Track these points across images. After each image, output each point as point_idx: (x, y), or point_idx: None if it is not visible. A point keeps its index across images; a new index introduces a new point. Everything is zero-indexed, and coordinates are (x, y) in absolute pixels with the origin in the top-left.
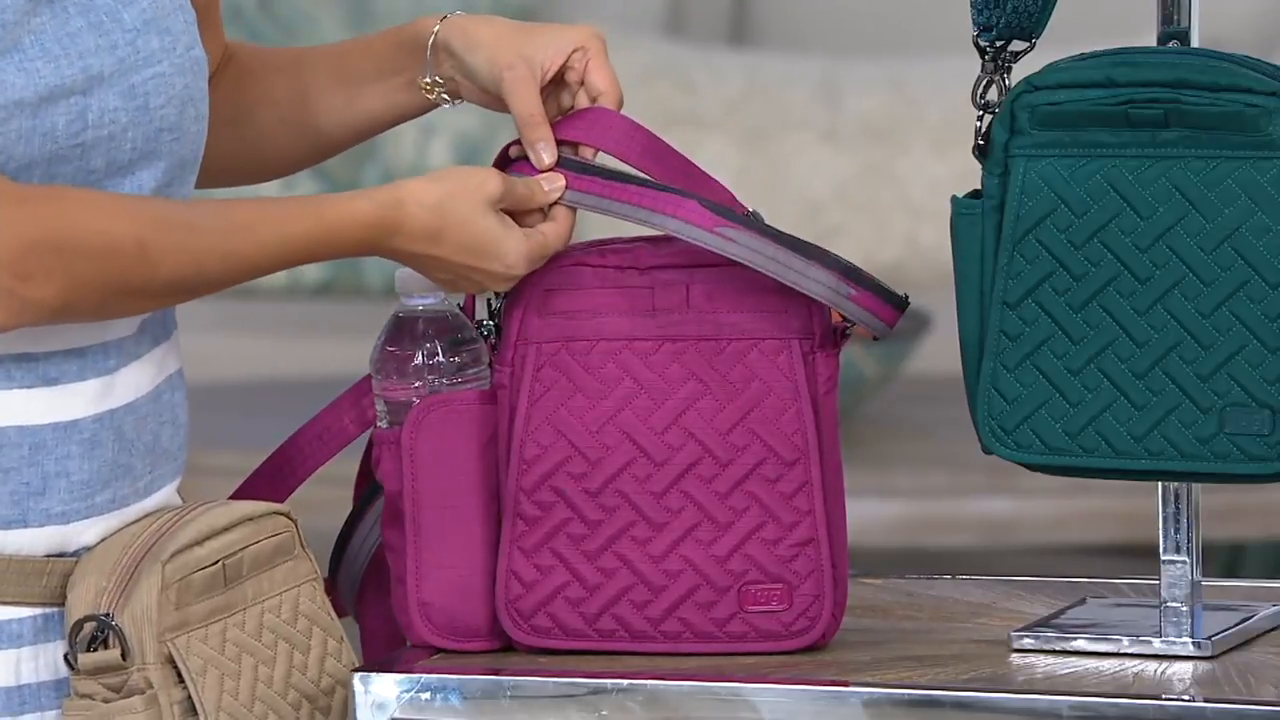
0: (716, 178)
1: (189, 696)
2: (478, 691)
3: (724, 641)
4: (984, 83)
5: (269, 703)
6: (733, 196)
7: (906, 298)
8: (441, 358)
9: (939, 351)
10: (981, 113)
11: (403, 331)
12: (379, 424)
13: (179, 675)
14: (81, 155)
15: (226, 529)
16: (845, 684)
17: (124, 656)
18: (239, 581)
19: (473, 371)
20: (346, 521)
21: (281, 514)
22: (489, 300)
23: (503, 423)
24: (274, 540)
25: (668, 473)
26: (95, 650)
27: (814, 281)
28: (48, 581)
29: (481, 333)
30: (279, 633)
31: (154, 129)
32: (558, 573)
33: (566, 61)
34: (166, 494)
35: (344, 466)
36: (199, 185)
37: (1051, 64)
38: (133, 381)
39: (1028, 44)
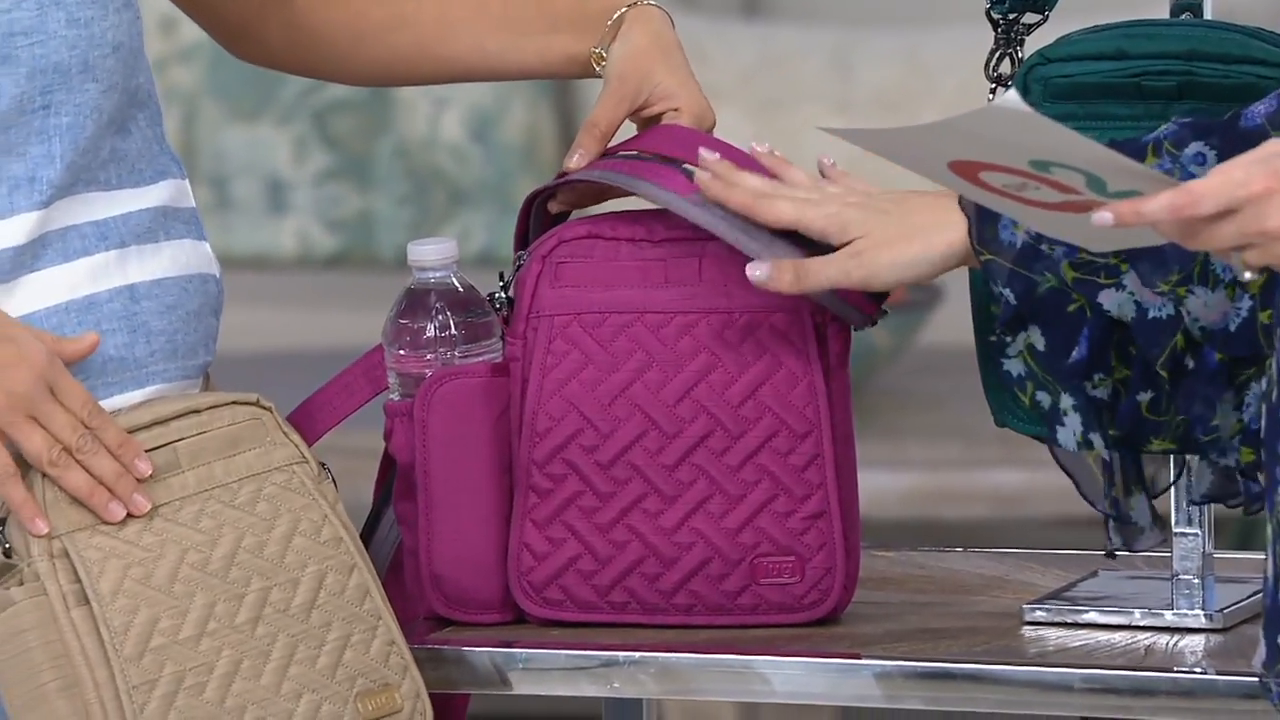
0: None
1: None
2: (490, 663)
3: (736, 614)
4: (996, 55)
5: (196, 582)
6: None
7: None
8: (453, 330)
9: (951, 323)
10: (994, 85)
11: (415, 304)
12: (391, 395)
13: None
14: None
15: (155, 423)
16: (857, 656)
17: (8, 555)
18: (175, 472)
19: (485, 344)
20: (370, 514)
21: (245, 403)
22: (501, 273)
23: (515, 395)
24: (229, 430)
25: (679, 445)
26: None
27: (781, 256)
28: None
29: (494, 305)
30: (222, 519)
31: (2, 34)
32: (569, 545)
33: (662, 114)
34: (111, 405)
35: (362, 438)
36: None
37: (1064, 36)
38: (33, 291)
39: (1040, 16)
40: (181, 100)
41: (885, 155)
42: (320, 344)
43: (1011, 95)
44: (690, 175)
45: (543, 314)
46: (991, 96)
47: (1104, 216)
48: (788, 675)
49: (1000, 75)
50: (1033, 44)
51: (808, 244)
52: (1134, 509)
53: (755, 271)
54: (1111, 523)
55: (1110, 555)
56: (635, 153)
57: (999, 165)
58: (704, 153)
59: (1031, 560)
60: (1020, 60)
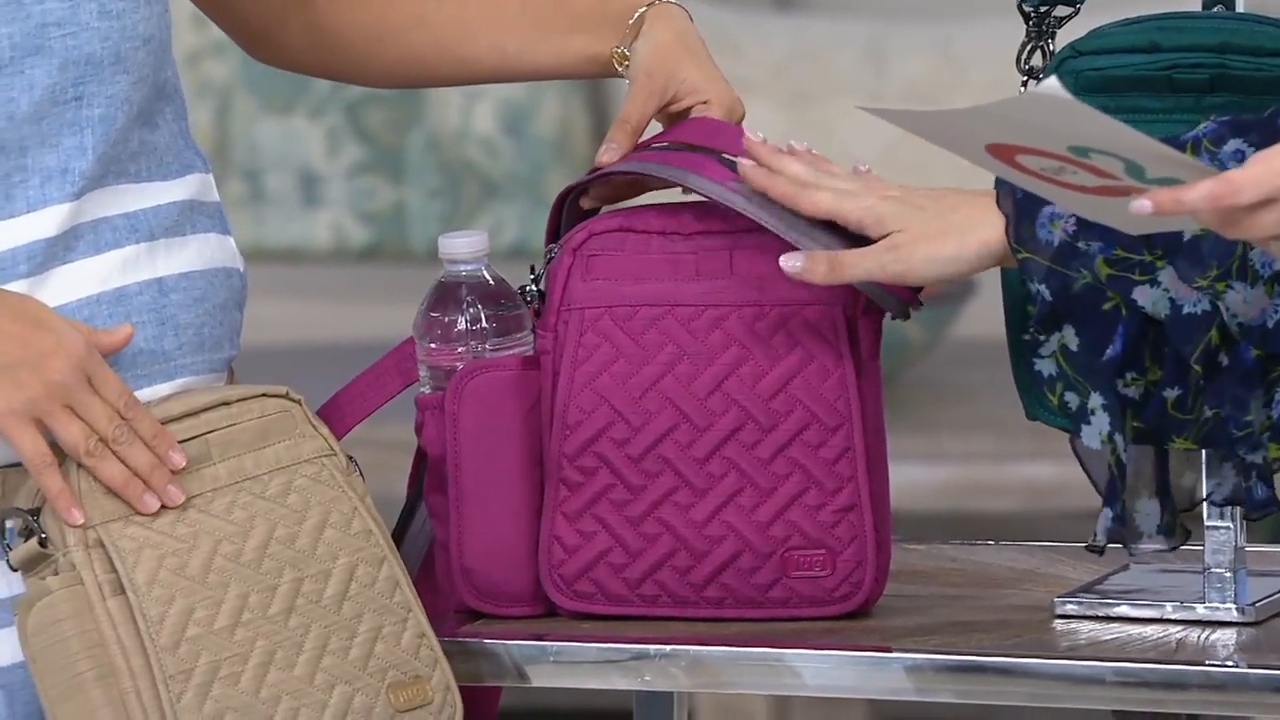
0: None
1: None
2: (521, 656)
3: (766, 607)
4: (1028, 48)
5: (230, 573)
6: None
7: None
8: (484, 323)
9: (984, 315)
10: (1025, 78)
11: (446, 297)
12: (422, 389)
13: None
14: None
15: (187, 415)
16: (888, 650)
17: (44, 545)
18: (207, 464)
19: (516, 337)
20: (405, 507)
21: (275, 396)
22: (532, 266)
23: (546, 388)
24: (259, 422)
25: (710, 438)
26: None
27: (819, 246)
28: (6, 491)
29: (525, 298)
30: (254, 510)
31: (35, 24)
32: (600, 538)
33: (691, 108)
34: (141, 397)
35: (396, 431)
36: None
37: (1095, 29)
38: (65, 282)
39: (1072, 9)
40: (215, 94)
41: (923, 136)
42: (353, 337)
43: (1053, 82)
44: (728, 164)
45: (574, 307)
46: (1023, 89)
47: (1143, 205)
48: (818, 668)
49: (1031, 68)
50: (1064, 37)
51: (849, 235)
52: (1140, 512)
53: (790, 262)
54: (1106, 522)
55: (1095, 550)
56: (667, 144)
57: (1037, 149)
58: (749, 137)
59: (1063, 553)
60: (1052, 53)
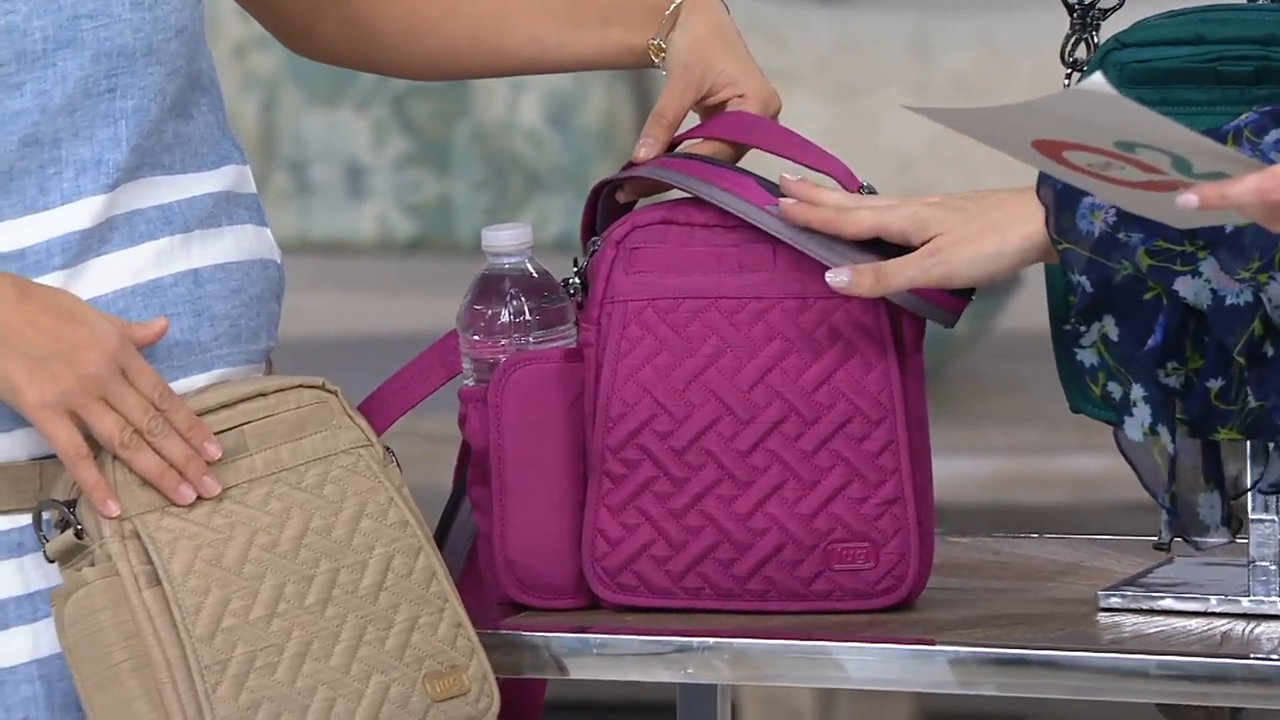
0: (810, 136)
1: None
2: (564, 649)
3: (810, 600)
4: (1072, 40)
5: (266, 564)
6: (849, 171)
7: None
8: (528, 316)
9: (1029, 308)
10: (1070, 70)
11: (489, 290)
12: (466, 381)
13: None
14: None
15: (223, 406)
16: (931, 643)
17: (80, 536)
18: (243, 455)
19: (559, 329)
20: (450, 499)
21: (312, 387)
22: (575, 259)
23: (589, 380)
24: (295, 413)
25: (753, 431)
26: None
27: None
28: (43, 483)
29: (568, 291)
30: (290, 501)
31: (67, 16)
32: (643, 530)
33: (727, 101)
34: (177, 388)
35: (440, 423)
36: (350, 67)
37: (1140, 21)
38: (100, 274)
39: (1117, 1)
40: (261, 86)
41: (969, 134)
42: (398, 329)
43: (1098, 78)
44: (767, 185)
45: (616, 299)
46: (1068, 82)
47: (1189, 199)
48: (862, 661)
49: (1076, 60)
50: (1109, 29)
51: (887, 256)
52: (1202, 506)
53: (836, 277)
54: (1166, 517)
55: (1163, 548)
56: (702, 139)
57: (1084, 145)
58: (785, 177)
59: (1107, 546)
60: (1096, 45)
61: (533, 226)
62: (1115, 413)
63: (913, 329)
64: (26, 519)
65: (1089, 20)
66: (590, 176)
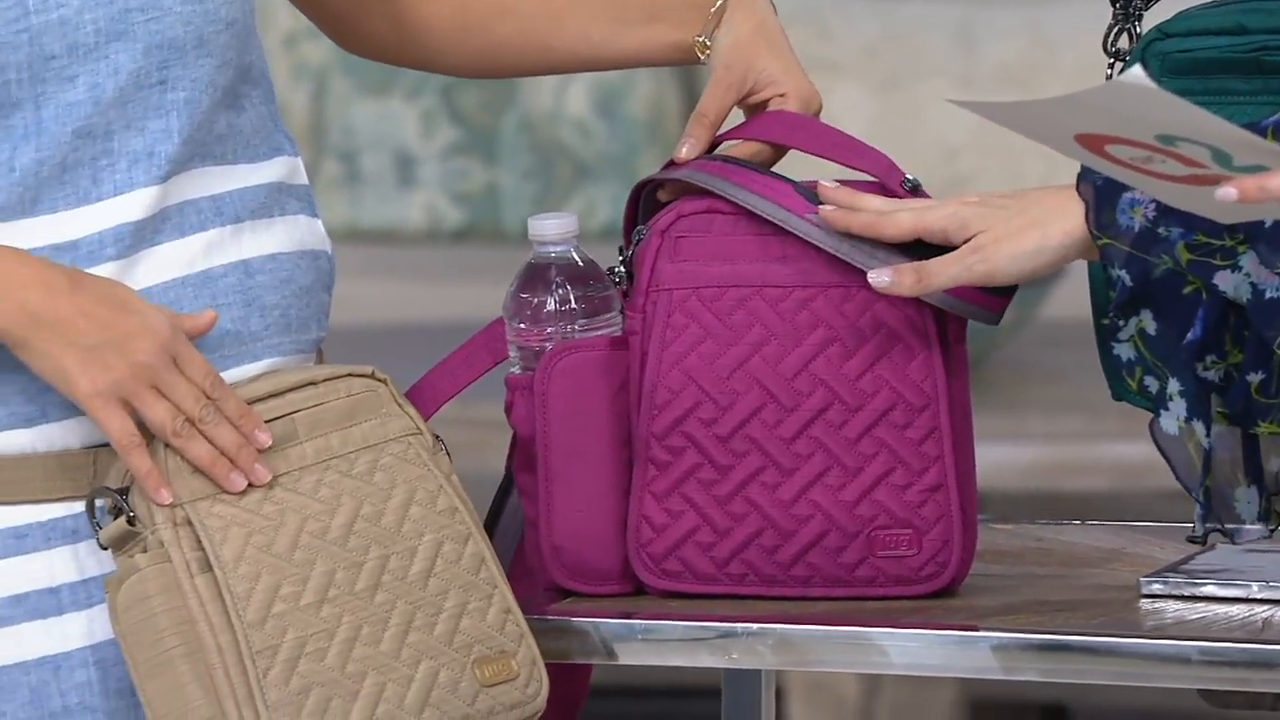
0: (855, 126)
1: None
2: (610, 634)
3: (853, 586)
4: (1115, 30)
5: (316, 550)
6: (891, 164)
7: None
8: (573, 304)
9: (1073, 297)
10: (1113, 60)
11: (535, 278)
12: (512, 369)
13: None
14: (30, 41)
15: (273, 395)
16: (974, 628)
17: (132, 523)
18: (293, 443)
19: (604, 318)
20: (501, 486)
21: (361, 375)
22: (620, 247)
23: (634, 368)
24: (345, 402)
25: (797, 418)
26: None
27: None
28: (97, 471)
29: (613, 279)
30: (340, 488)
31: (118, 9)
32: (688, 517)
33: (769, 100)
34: (228, 378)
35: (489, 410)
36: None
37: (1183, 11)
38: (152, 265)
39: None
40: (311, 76)
41: (1011, 127)
42: (446, 317)
43: (1137, 71)
44: (804, 192)
45: (661, 288)
46: (1110, 72)
47: (1228, 192)
48: (905, 647)
49: (1118, 50)
50: (1151, 19)
51: (925, 258)
52: (1240, 501)
53: (879, 278)
54: (1200, 510)
55: (1196, 540)
56: (750, 156)
57: (1125, 138)
58: (824, 185)
59: (1149, 533)
60: (1138, 35)
61: (579, 215)
62: (1153, 405)
63: (955, 318)
64: (80, 506)
65: (1131, 10)
66: (637, 166)
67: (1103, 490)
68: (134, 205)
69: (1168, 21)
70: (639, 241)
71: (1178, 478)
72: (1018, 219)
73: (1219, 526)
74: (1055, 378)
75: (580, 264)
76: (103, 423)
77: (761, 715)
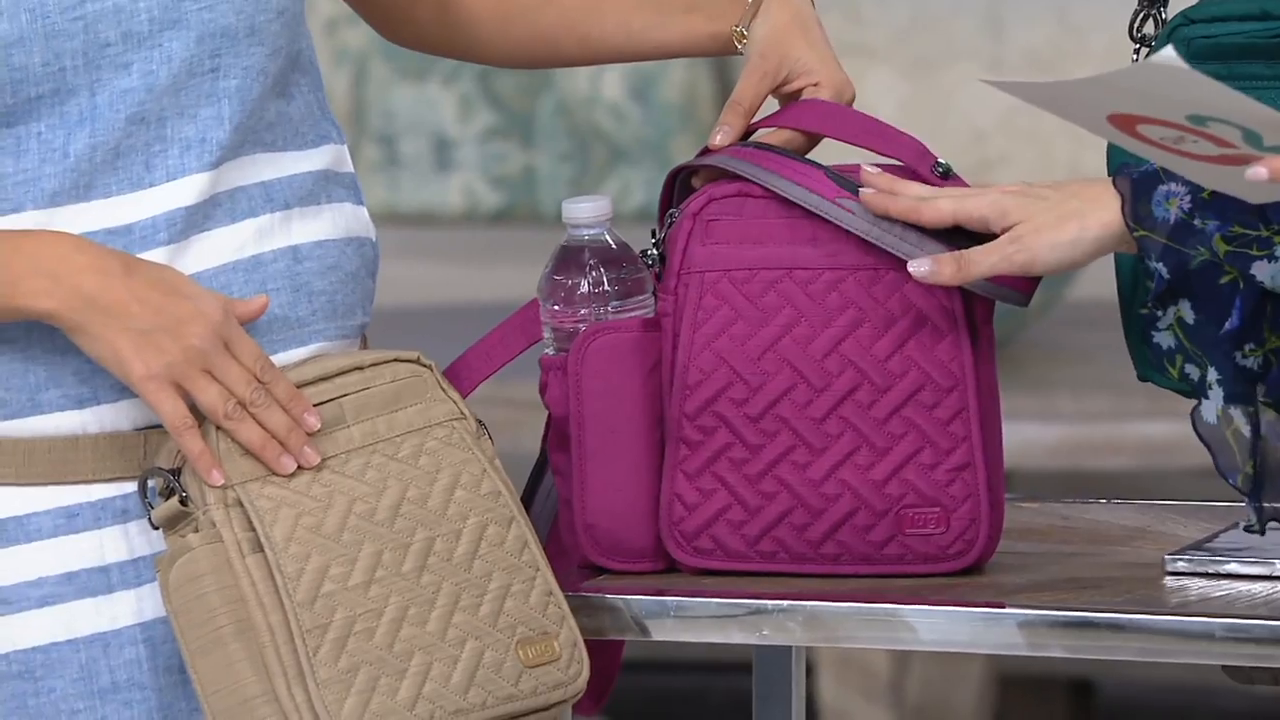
0: (886, 109)
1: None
2: (643, 611)
3: (882, 564)
4: (1140, 15)
5: (364, 532)
6: (924, 149)
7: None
8: (606, 286)
9: (1101, 277)
10: (1138, 46)
11: (569, 260)
12: (546, 350)
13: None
14: (86, 29)
15: (321, 379)
16: (1001, 605)
17: (184, 504)
18: (341, 426)
19: (637, 299)
20: (536, 465)
21: (407, 360)
22: (653, 230)
23: (666, 350)
24: (391, 387)
25: (827, 399)
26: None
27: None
28: (147, 452)
29: (646, 261)
30: (387, 471)
31: None
32: (720, 496)
33: (803, 89)
34: (279, 361)
35: (524, 389)
36: (441, 54)
37: None
38: (203, 250)
39: None
40: (352, 61)
41: (1044, 107)
42: (483, 298)
43: (1169, 51)
44: (837, 179)
45: (693, 270)
46: (1135, 57)
47: (1258, 172)
48: (933, 624)
49: (1144, 36)
50: (1176, 4)
51: (958, 245)
52: None
53: (919, 267)
54: (1251, 503)
55: (1253, 531)
56: (783, 144)
57: (1157, 119)
58: (865, 169)
59: (1174, 511)
60: (1164, 21)
61: (614, 198)
62: (1194, 393)
63: (983, 300)
64: (132, 486)
65: None
66: (671, 150)
67: (1129, 469)
68: (186, 191)
69: (1192, 7)
70: (671, 224)
71: (1217, 467)
72: (1057, 209)
73: (1276, 516)
74: (1082, 358)
75: (613, 246)
76: (156, 405)
77: (792, 690)
